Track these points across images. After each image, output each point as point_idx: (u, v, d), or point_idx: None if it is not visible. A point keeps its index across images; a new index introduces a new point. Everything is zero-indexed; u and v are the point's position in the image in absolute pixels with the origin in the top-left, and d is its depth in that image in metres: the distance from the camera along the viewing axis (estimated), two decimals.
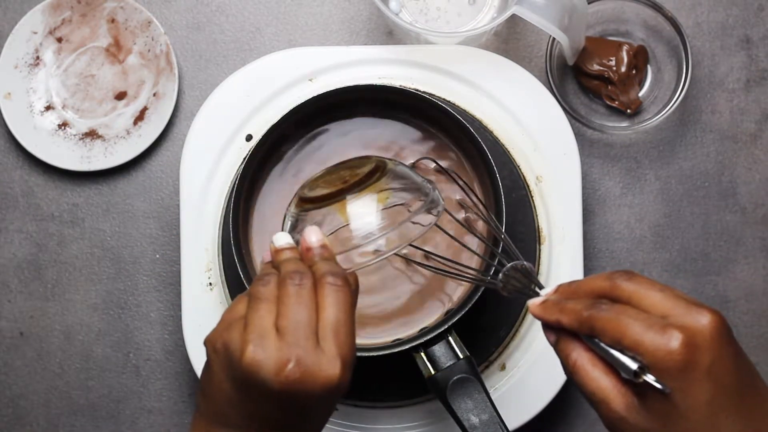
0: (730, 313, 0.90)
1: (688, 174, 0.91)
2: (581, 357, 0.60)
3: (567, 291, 0.63)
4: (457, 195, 0.82)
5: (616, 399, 0.59)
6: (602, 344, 0.59)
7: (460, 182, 0.80)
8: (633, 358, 0.57)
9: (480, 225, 0.82)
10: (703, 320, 0.57)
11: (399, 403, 0.85)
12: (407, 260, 0.80)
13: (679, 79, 0.89)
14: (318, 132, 0.83)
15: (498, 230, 0.76)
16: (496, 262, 0.74)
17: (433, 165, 0.82)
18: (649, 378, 0.57)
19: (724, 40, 0.92)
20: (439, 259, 0.79)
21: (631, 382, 0.58)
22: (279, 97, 0.86)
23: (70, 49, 0.92)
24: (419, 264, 0.79)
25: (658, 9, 0.88)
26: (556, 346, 0.62)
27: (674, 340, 0.56)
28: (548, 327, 0.62)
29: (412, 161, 0.82)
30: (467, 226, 0.80)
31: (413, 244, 0.74)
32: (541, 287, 0.65)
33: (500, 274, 0.68)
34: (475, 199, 0.80)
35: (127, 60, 0.91)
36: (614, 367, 0.59)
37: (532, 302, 0.63)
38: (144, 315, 0.91)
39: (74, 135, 0.91)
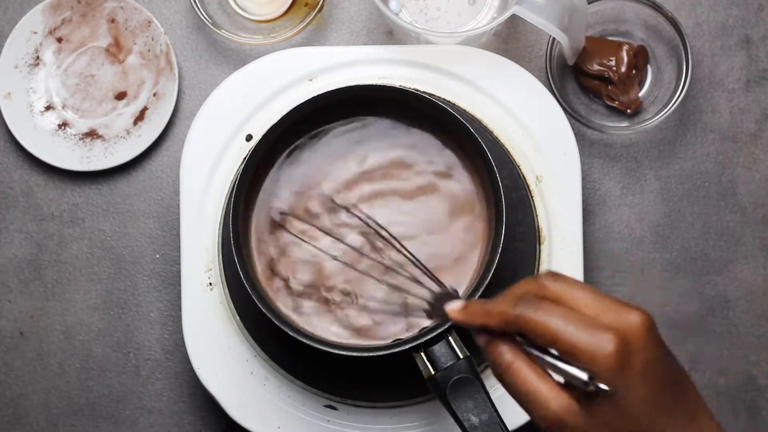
0: (730, 313, 0.90)
1: (688, 174, 0.91)
2: (517, 358, 0.59)
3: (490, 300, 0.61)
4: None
5: (555, 401, 0.58)
6: (547, 358, 0.58)
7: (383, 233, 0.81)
8: (579, 368, 0.56)
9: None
10: (633, 319, 0.57)
11: (399, 403, 0.85)
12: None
13: (679, 79, 0.89)
14: (317, 132, 0.83)
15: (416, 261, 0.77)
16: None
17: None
18: (601, 385, 0.56)
19: (724, 40, 0.92)
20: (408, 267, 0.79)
21: (566, 384, 0.58)
22: (279, 97, 0.86)
23: (70, 49, 0.92)
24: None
25: (658, 9, 0.88)
26: (486, 347, 0.60)
27: (608, 342, 0.56)
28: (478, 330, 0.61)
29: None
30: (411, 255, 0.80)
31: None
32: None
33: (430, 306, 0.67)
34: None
35: (127, 60, 0.91)
36: (547, 371, 0.58)
37: (451, 307, 0.62)
38: (144, 315, 0.91)
39: (74, 135, 0.91)
